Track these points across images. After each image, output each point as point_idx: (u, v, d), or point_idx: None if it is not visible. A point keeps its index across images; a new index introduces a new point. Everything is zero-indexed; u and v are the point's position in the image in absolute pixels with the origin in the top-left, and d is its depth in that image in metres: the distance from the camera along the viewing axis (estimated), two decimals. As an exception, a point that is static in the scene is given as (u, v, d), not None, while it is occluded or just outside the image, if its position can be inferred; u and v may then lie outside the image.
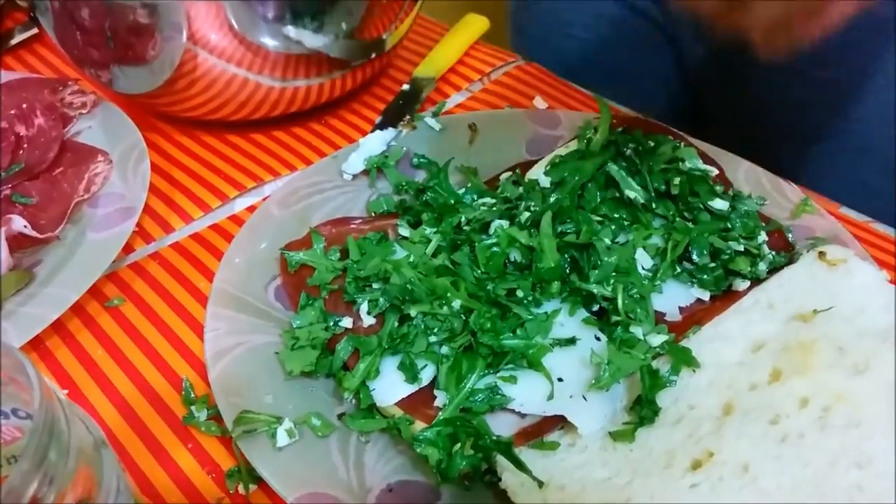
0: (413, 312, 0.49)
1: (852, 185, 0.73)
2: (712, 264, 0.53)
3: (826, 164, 0.79)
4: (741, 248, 0.54)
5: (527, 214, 0.54)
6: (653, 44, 0.94)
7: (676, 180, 0.55)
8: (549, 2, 0.97)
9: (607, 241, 0.52)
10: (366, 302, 0.51)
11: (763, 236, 0.55)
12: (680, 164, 0.57)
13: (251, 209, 0.66)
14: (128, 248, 0.61)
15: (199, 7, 0.64)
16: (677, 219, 0.55)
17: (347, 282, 0.53)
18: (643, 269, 0.53)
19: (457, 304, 0.48)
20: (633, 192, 0.54)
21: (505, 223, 0.54)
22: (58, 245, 0.59)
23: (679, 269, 0.53)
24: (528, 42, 1.00)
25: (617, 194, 0.56)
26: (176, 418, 0.50)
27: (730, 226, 0.55)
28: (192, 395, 0.51)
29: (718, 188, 0.57)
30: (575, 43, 0.96)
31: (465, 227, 0.56)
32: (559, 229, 0.52)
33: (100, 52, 0.68)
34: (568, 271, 0.51)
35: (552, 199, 0.54)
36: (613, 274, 0.50)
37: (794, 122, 0.81)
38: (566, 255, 0.51)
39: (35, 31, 0.87)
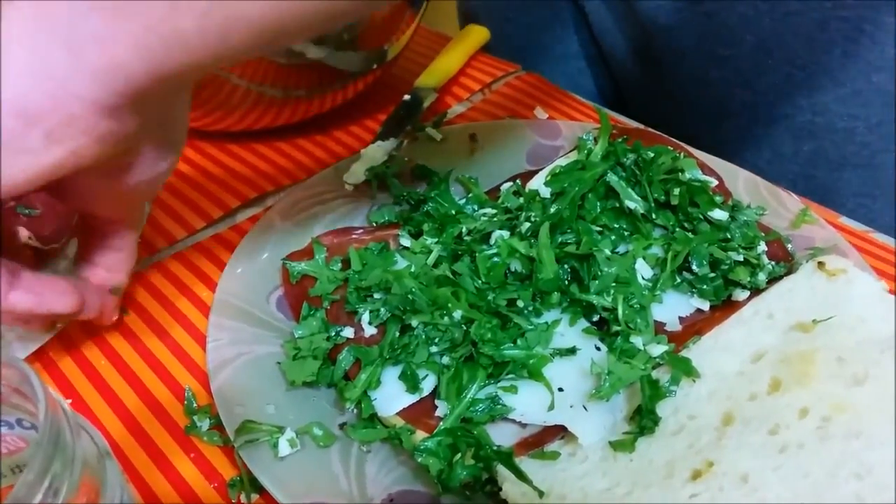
0: (414, 322, 0.49)
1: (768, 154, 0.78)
2: (712, 274, 0.53)
3: (741, 137, 0.81)
4: (741, 258, 0.54)
5: (527, 225, 0.54)
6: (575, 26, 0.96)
7: (676, 191, 0.56)
8: None
9: (607, 251, 0.52)
10: (367, 312, 0.51)
11: (762, 246, 0.55)
12: (679, 174, 0.57)
13: (253, 219, 0.66)
14: (131, 258, 0.61)
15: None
16: (677, 229, 0.56)
17: (349, 292, 0.53)
18: (643, 279, 0.53)
19: (458, 314, 0.49)
20: (633, 203, 0.55)
21: (506, 233, 0.55)
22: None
23: (679, 280, 0.53)
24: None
25: (617, 204, 0.56)
26: (178, 428, 0.50)
27: (729, 236, 0.55)
28: (195, 406, 0.51)
29: (718, 198, 0.57)
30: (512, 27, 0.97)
31: (466, 238, 0.56)
32: (559, 240, 0.53)
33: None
34: (568, 282, 0.52)
35: (552, 210, 0.54)
36: (613, 284, 0.51)
37: (707, 99, 0.82)
38: (566, 266, 0.52)
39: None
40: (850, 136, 0.74)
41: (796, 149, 0.77)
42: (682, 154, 0.60)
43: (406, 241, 0.57)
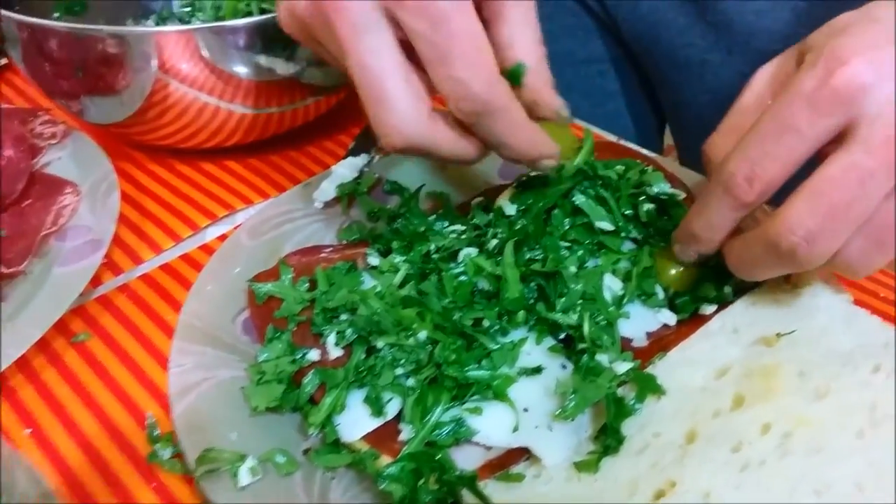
0: (380, 344, 0.49)
1: None
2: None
3: None
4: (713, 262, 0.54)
5: (494, 242, 0.54)
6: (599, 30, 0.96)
7: (645, 207, 0.55)
8: None
9: (573, 268, 0.51)
10: (333, 333, 0.51)
11: None
12: (647, 188, 0.57)
13: (222, 238, 0.66)
14: (96, 281, 0.61)
15: (169, 37, 0.64)
16: (646, 244, 0.55)
17: (315, 313, 0.53)
18: (610, 290, 0.53)
19: (423, 335, 0.48)
20: (602, 222, 0.54)
21: (473, 251, 0.54)
22: (23, 280, 0.59)
23: (646, 294, 0.53)
24: None
25: (586, 220, 0.56)
26: (140, 457, 0.49)
27: None
28: (157, 433, 0.50)
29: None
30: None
31: (434, 256, 0.56)
32: (527, 256, 0.52)
33: (69, 82, 0.68)
34: (534, 300, 0.51)
35: (517, 227, 0.54)
36: (580, 301, 0.50)
37: None
38: (532, 284, 0.51)
39: (6, 60, 0.87)
40: None
41: None
42: (650, 168, 0.60)
43: (374, 260, 0.57)
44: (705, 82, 0.88)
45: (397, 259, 0.56)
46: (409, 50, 0.46)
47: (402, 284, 0.54)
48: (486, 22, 0.49)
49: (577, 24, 0.95)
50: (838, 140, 0.42)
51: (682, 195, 0.59)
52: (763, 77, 0.48)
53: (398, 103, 0.46)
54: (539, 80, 0.51)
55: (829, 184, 0.41)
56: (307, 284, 0.56)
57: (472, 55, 0.45)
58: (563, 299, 0.51)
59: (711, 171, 0.48)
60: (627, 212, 0.56)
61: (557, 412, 0.46)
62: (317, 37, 0.49)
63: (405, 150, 0.48)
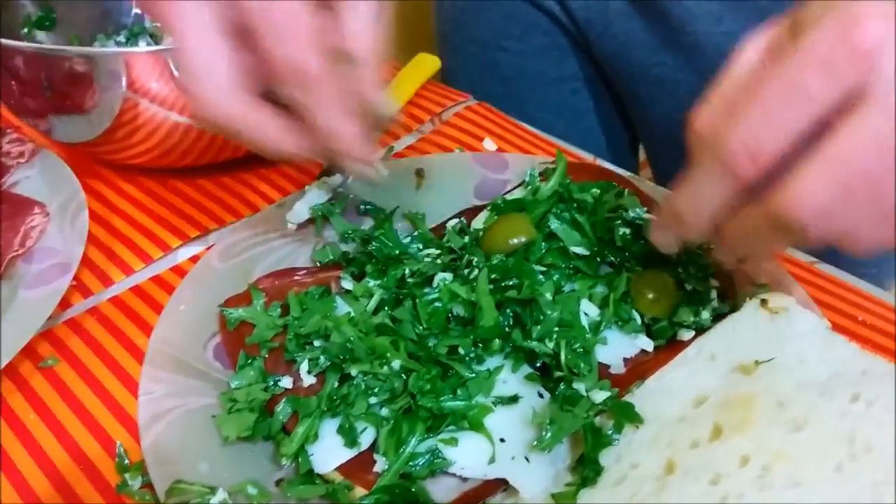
0: (354, 372, 0.48)
1: None
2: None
3: None
4: (690, 288, 0.54)
5: (470, 269, 0.53)
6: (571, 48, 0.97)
7: (621, 231, 0.55)
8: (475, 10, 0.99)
9: (548, 295, 0.51)
10: (306, 361, 0.50)
11: (714, 282, 0.55)
12: (623, 213, 0.57)
13: (194, 259, 0.65)
14: (64, 303, 0.59)
15: (138, 57, 0.63)
16: (624, 267, 0.55)
17: (288, 339, 0.52)
18: (587, 316, 0.52)
19: (396, 364, 0.48)
20: (578, 248, 0.54)
21: (448, 276, 0.54)
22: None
23: (623, 319, 0.53)
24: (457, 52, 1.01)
25: (561, 244, 0.56)
26: (109, 486, 0.48)
27: (680, 270, 0.55)
28: (126, 462, 0.49)
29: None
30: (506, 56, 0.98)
31: (409, 280, 0.55)
32: (502, 283, 0.52)
33: (37, 101, 0.67)
34: (510, 326, 0.51)
35: (494, 260, 0.53)
36: (556, 328, 0.50)
37: None
38: (508, 311, 0.51)
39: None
40: None
41: None
42: (626, 191, 0.60)
43: (348, 284, 0.56)
44: (677, 100, 0.88)
45: (371, 283, 0.56)
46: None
47: (375, 310, 0.53)
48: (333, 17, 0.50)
49: (549, 43, 0.96)
50: (847, 107, 0.38)
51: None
52: (754, 47, 0.44)
53: (209, 77, 0.46)
54: (366, 73, 0.51)
55: (846, 153, 0.38)
56: (279, 310, 0.55)
57: (291, 27, 0.46)
58: (540, 326, 0.50)
59: (700, 146, 0.43)
60: (603, 236, 0.56)
61: (534, 443, 0.45)
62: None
63: (215, 125, 0.48)
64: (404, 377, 0.48)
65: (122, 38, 0.84)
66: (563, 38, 0.96)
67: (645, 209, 0.58)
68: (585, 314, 0.52)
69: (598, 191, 0.59)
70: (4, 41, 0.62)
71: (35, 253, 0.61)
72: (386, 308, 0.53)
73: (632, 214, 0.57)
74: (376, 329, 0.50)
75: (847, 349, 0.48)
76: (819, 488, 0.40)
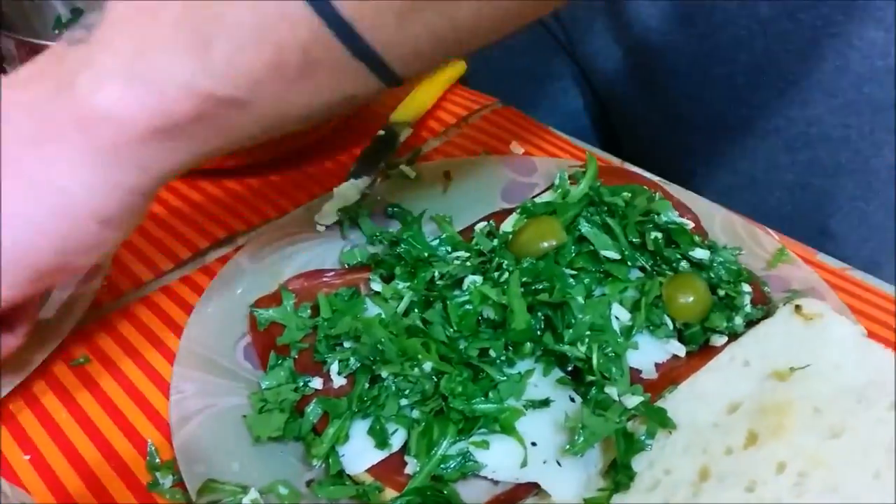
0: (384, 373, 0.48)
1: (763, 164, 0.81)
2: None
3: (737, 149, 0.83)
4: (722, 293, 0.53)
5: (500, 271, 0.53)
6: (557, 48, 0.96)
7: (652, 236, 0.55)
8: None
9: (580, 298, 0.51)
10: (336, 362, 0.50)
11: (746, 287, 0.55)
12: (655, 216, 0.56)
13: (223, 260, 0.65)
14: (96, 303, 0.59)
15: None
16: (655, 271, 0.55)
17: (318, 340, 0.52)
18: (617, 320, 0.52)
19: (428, 366, 0.47)
20: (608, 251, 0.54)
21: (478, 279, 0.54)
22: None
23: (655, 324, 0.52)
24: None
25: (592, 247, 0.56)
26: (140, 485, 0.48)
27: (713, 275, 0.55)
28: (157, 461, 0.49)
29: (697, 238, 0.57)
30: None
31: (439, 283, 0.55)
32: (533, 287, 0.52)
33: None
34: (542, 330, 0.50)
35: (525, 263, 0.53)
36: (588, 332, 0.50)
37: (702, 115, 0.84)
38: (539, 314, 0.51)
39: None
40: (845, 144, 0.77)
41: (792, 158, 0.80)
42: (657, 194, 0.60)
43: (377, 286, 0.56)
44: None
45: (400, 286, 0.56)
46: None
47: (405, 312, 0.53)
48: None
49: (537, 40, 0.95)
50: None
51: (690, 224, 0.58)
52: None
53: None
54: None
55: None
56: (309, 311, 0.55)
57: None
58: (571, 330, 0.50)
59: None
60: (634, 240, 0.56)
61: (566, 447, 0.45)
62: None
63: None
64: (435, 379, 0.47)
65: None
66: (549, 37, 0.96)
67: (677, 213, 0.58)
68: (616, 318, 0.52)
69: (629, 194, 0.59)
70: (39, 41, 0.62)
71: (67, 252, 0.61)
72: (416, 310, 0.52)
73: (664, 219, 0.56)
74: (407, 331, 0.50)
75: (884, 356, 0.47)
76: (856, 496, 0.40)
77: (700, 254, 0.55)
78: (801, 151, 0.79)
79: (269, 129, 0.42)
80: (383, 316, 0.52)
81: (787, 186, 0.81)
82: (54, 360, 0.56)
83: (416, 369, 0.48)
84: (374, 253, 0.61)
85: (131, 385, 0.54)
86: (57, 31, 0.80)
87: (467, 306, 0.51)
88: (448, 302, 0.52)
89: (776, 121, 0.79)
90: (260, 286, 0.58)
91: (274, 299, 0.56)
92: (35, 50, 0.63)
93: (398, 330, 0.50)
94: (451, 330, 0.50)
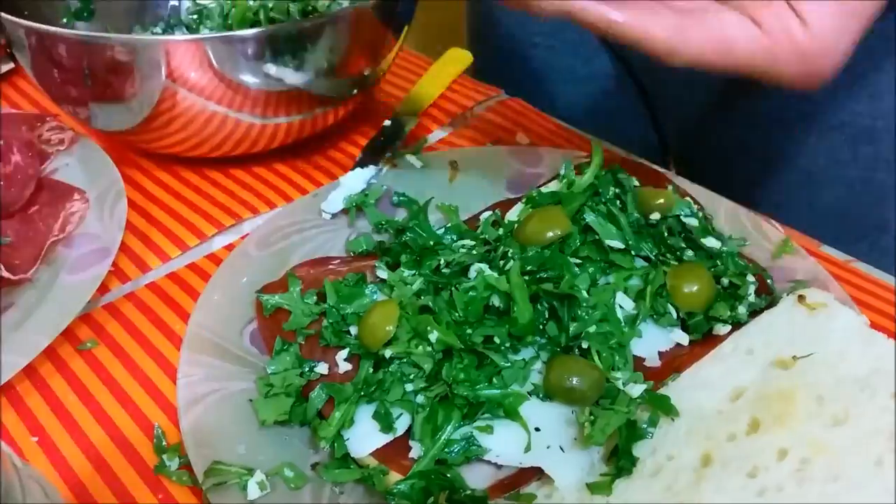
0: (388, 354, 0.48)
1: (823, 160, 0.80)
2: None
3: (796, 145, 0.82)
4: (727, 283, 0.54)
5: (505, 260, 0.53)
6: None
7: (656, 215, 0.55)
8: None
9: (585, 292, 0.51)
10: (345, 350, 0.50)
11: (751, 278, 0.55)
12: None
13: (229, 248, 0.65)
14: (103, 289, 0.60)
15: (178, 45, 0.63)
16: (659, 261, 0.55)
17: (324, 327, 0.52)
18: (622, 309, 0.52)
19: (434, 336, 0.47)
20: (613, 241, 0.54)
21: (484, 266, 0.54)
22: (30, 287, 0.58)
23: (658, 313, 0.53)
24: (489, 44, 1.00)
25: (598, 237, 0.56)
26: (147, 467, 0.49)
27: (718, 264, 0.55)
28: (164, 444, 0.50)
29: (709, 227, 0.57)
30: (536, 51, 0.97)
31: (444, 271, 0.55)
32: (538, 276, 0.52)
33: (78, 89, 0.67)
34: (546, 320, 0.50)
35: (530, 252, 0.53)
36: (594, 326, 0.50)
37: (762, 108, 0.82)
38: (544, 303, 0.51)
39: (13, 65, 0.87)
40: None
41: (854, 153, 0.79)
42: (670, 186, 0.60)
43: (383, 274, 0.56)
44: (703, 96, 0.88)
45: (406, 273, 0.56)
46: None
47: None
48: None
49: (579, 40, 0.95)
50: None
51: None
52: None
53: None
54: None
55: None
56: (315, 297, 0.55)
57: None
58: (577, 323, 0.50)
59: None
60: (640, 230, 0.56)
61: (576, 438, 0.45)
62: None
63: None
64: (440, 356, 0.47)
65: (158, 30, 0.85)
66: (594, 36, 0.96)
67: (688, 202, 0.58)
68: (620, 307, 0.52)
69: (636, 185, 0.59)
70: (48, 28, 0.63)
71: (75, 238, 0.62)
72: (424, 297, 0.53)
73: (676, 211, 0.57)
74: (420, 311, 0.50)
75: (887, 346, 0.47)
76: (859, 482, 0.40)
77: (712, 242, 0.55)
78: (865, 146, 0.78)
79: None
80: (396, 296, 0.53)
81: (849, 182, 0.80)
82: (61, 344, 0.56)
83: (421, 347, 0.48)
84: (381, 241, 0.62)
85: (138, 369, 0.55)
86: (66, 21, 0.80)
87: (472, 293, 0.52)
88: (454, 289, 0.52)
89: (841, 115, 0.78)
90: (266, 273, 0.59)
91: (280, 286, 0.56)
92: (44, 38, 0.64)
93: (413, 310, 0.50)
94: (457, 315, 0.51)
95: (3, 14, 0.64)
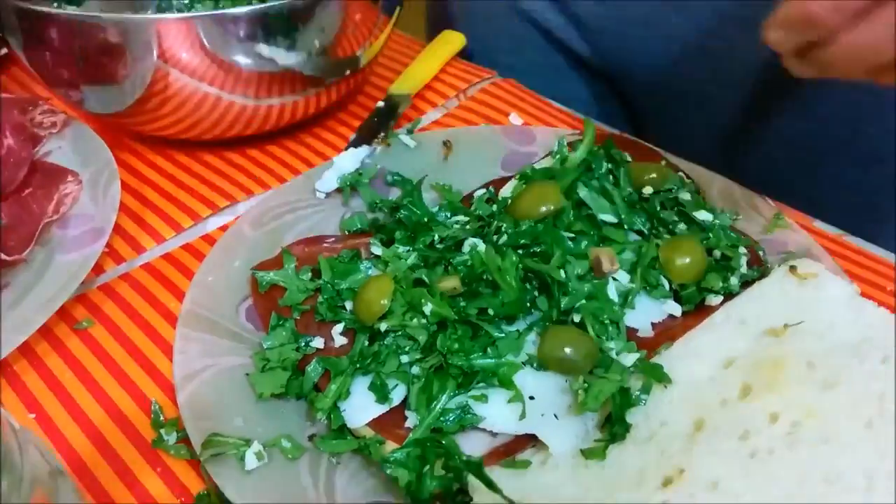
0: (383, 327, 0.49)
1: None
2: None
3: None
4: (719, 255, 0.54)
5: (499, 235, 0.54)
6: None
7: (649, 189, 0.56)
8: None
9: (578, 270, 0.51)
10: (340, 324, 0.51)
11: (743, 250, 0.55)
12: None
13: (224, 228, 0.65)
14: (98, 269, 0.60)
15: (170, 26, 0.63)
16: (652, 234, 0.55)
17: (319, 302, 0.52)
18: (615, 281, 0.53)
19: (428, 308, 0.48)
20: (606, 215, 0.54)
21: (478, 241, 0.54)
22: (26, 267, 0.58)
23: (651, 285, 0.53)
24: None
25: (590, 211, 0.56)
26: (145, 442, 0.49)
27: (712, 236, 0.55)
28: (162, 419, 0.50)
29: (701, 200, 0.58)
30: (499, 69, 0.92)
31: (439, 246, 0.55)
32: (531, 249, 0.52)
33: (69, 71, 0.67)
34: (537, 294, 0.51)
35: (523, 226, 0.53)
36: (583, 301, 0.50)
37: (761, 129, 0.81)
38: (535, 282, 0.51)
39: (5, 50, 0.87)
40: None
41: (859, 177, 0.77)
42: (663, 163, 0.60)
43: (377, 250, 0.57)
44: (703, 112, 0.85)
45: (401, 249, 0.56)
46: None
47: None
48: None
49: (543, 62, 0.91)
50: None
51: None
52: None
53: None
54: None
55: None
56: (310, 274, 0.55)
57: None
58: (567, 298, 0.50)
59: None
60: (632, 196, 0.56)
61: (570, 405, 0.46)
62: None
63: None
64: (435, 328, 0.48)
65: (150, 13, 0.85)
66: (559, 58, 0.91)
67: (680, 176, 0.58)
68: (614, 279, 0.53)
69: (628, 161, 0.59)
70: (39, 9, 0.63)
71: (69, 219, 0.62)
72: (419, 271, 0.53)
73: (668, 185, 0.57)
74: (414, 284, 0.50)
75: (877, 314, 0.48)
76: (849, 444, 0.40)
77: (704, 216, 0.56)
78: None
79: None
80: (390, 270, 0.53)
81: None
82: (57, 324, 0.56)
83: (415, 320, 0.48)
84: (375, 218, 0.62)
85: (134, 347, 0.55)
86: (56, 4, 0.80)
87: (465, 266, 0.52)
88: (449, 263, 0.52)
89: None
90: (261, 252, 0.59)
91: (275, 263, 0.57)
92: (35, 18, 0.64)
93: (407, 284, 0.50)
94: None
95: (-7, -4, 0.64)
